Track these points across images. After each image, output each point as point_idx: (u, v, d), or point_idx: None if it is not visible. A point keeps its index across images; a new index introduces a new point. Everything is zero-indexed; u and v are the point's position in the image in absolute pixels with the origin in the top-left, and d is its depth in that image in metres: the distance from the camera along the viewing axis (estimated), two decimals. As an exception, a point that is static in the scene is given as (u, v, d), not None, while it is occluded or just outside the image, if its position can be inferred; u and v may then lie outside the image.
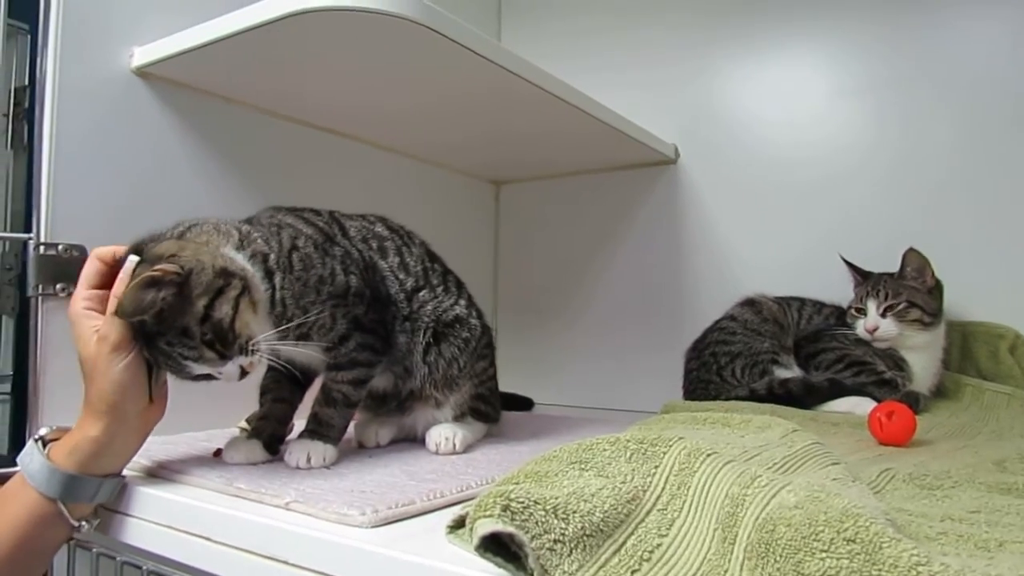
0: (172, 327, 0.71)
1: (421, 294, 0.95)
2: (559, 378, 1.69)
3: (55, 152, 0.95)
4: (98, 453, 0.71)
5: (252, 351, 0.75)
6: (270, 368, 0.91)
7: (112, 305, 0.70)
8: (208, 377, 0.75)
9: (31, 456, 0.70)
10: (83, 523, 0.72)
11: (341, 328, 0.85)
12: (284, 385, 0.90)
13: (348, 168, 1.40)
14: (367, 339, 0.87)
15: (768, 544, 0.43)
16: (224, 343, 0.73)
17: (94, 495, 0.72)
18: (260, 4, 0.89)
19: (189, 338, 0.71)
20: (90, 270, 0.76)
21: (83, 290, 0.75)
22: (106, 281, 0.75)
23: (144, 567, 0.75)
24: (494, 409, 1.04)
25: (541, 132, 1.39)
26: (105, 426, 0.70)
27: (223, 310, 0.72)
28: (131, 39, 1.03)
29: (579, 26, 1.73)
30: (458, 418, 0.96)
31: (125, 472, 0.77)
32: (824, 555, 0.40)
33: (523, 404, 1.46)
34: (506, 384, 1.11)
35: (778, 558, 0.42)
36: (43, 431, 0.73)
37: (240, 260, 0.78)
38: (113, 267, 0.75)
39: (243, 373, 0.76)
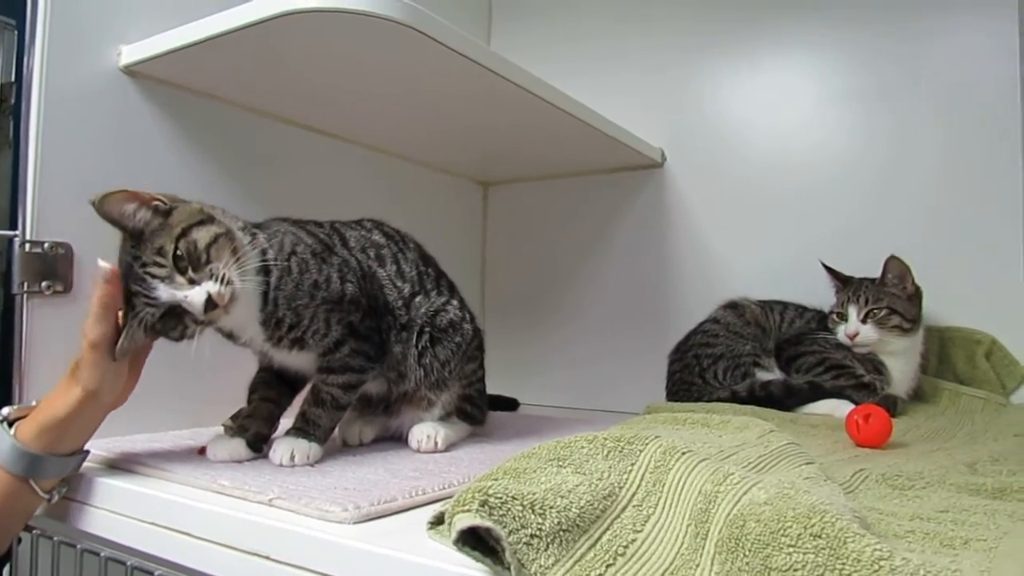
0: (149, 248, 0.74)
1: (417, 299, 0.96)
2: (545, 379, 1.70)
3: (42, 149, 0.95)
4: (63, 434, 0.74)
5: (224, 281, 0.75)
6: (260, 368, 0.92)
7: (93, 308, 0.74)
8: (177, 326, 0.76)
9: None
10: (52, 494, 0.76)
11: (336, 334, 0.86)
12: (273, 386, 0.91)
13: (337, 168, 1.41)
14: (361, 346, 0.88)
15: (738, 539, 0.44)
16: (195, 265, 0.75)
17: (60, 471, 0.75)
18: (248, 5, 0.90)
19: (162, 256, 0.74)
20: None
21: None
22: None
23: (128, 563, 0.76)
24: (480, 411, 1.05)
25: (529, 134, 1.40)
26: (76, 405, 0.73)
27: (201, 234, 0.76)
28: (119, 37, 1.03)
29: (568, 31, 1.74)
30: (444, 418, 0.97)
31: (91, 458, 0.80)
32: (791, 550, 0.42)
33: (508, 405, 1.47)
34: (492, 385, 1.12)
35: (747, 552, 0.43)
36: (6, 411, 0.75)
37: (239, 234, 0.81)
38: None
39: (211, 305, 0.74)
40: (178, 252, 0.74)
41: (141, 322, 0.76)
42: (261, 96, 1.20)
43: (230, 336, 0.85)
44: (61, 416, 0.73)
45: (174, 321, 0.77)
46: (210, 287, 0.74)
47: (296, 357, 0.87)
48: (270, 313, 0.82)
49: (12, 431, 0.73)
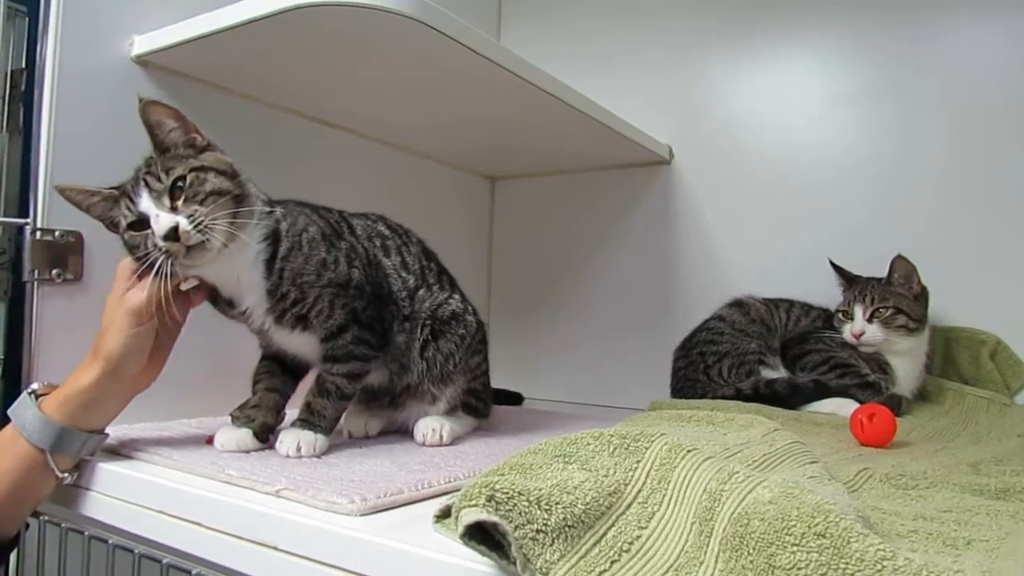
0: (163, 164, 0.77)
1: (420, 292, 0.96)
2: (550, 374, 1.71)
3: (53, 137, 0.96)
4: (87, 406, 0.76)
5: (197, 224, 0.75)
6: (263, 357, 0.93)
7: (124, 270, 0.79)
8: (140, 243, 0.76)
9: (24, 408, 0.75)
10: (66, 475, 0.77)
11: (339, 319, 0.86)
12: (277, 375, 0.91)
13: (345, 161, 1.41)
14: (364, 334, 0.88)
15: (742, 537, 0.44)
16: (187, 198, 0.76)
17: (79, 448, 0.77)
18: (261, -3, 0.90)
19: (166, 175, 0.76)
20: None
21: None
22: None
23: (135, 550, 0.76)
24: (485, 404, 1.05)
25: (537, 130, 1.40)
26: (98, 377, 0.75)
27: (214, 180, 0.77)
28: (131, 27, 1.04)
29: (578, 28, 1.74)
30: (449, 412, 0.97)
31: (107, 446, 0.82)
32: (795, 548, 0.42)
33: (513, 399, 1.47)
34: (497, 379, 1.12)
35: (751, 551, 0.43)
36: (35, 385, 0.77)
37: (257, 203, 0.83)
38: None
39: (173, 236, 0.74)
40: (180, 181, 0.76)
41: (115, 223, 0.79)
42: (271, 88, 1.21)
43: (229, 304, 0.85)
44: (83, 385, 0.75)
45: (140, 237, 0.77)
46: (182, 221, 0.75)
47: (298, 339, 0.87)
48: (275, 283, 0.83)
49: (37, 403, 0.75)
